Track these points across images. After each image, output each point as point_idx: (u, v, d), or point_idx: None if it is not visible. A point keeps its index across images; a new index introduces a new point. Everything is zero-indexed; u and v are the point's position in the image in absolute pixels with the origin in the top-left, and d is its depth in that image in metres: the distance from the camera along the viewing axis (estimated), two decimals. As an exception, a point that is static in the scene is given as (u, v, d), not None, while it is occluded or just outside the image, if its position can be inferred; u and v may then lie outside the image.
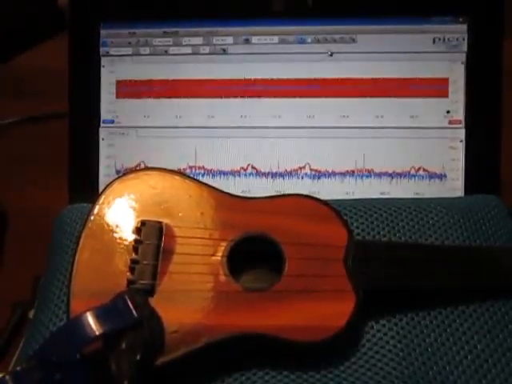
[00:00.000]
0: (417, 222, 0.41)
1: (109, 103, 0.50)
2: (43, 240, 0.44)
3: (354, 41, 0.48)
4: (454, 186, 0.47)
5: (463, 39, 0.47)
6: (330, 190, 0.47)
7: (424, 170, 0.47)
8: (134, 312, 0.32)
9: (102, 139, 0.50)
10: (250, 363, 0.34)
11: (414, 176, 0.47)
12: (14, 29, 0.74)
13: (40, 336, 0.37)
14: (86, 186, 0.49)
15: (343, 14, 0.47)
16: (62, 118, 0.51)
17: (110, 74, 0.50)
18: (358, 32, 0.47)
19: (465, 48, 0.47)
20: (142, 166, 0.49)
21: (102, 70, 0.50)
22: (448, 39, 0.47)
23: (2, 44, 0.71)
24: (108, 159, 0.50)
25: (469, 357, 0.35)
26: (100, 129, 0.50)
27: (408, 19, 0.47)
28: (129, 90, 0.50)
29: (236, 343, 0.34)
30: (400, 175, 0.47)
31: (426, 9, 0.47)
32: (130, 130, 0.50)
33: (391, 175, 0.47)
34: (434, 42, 0.47)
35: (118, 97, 0.50)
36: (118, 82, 0.50)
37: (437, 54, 0.47)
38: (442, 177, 0.47)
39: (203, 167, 0.48)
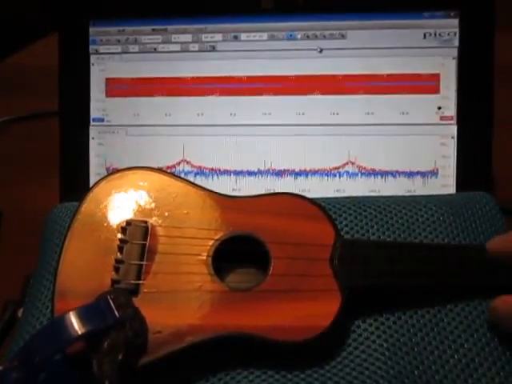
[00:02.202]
0: (406, 220, 0.41)
1: (98, 101, 0.49)
2: (36, 239, 0.44)
3: (343, 37, 0.47)
4: (446, 183, 0.47)
5: (455, 34, 0.46)
6: (319, 188, 0.47)
7: (415, 167, 0.47)
8: (116, 312, 0.32)
9: (92, 138, 0.50)
10: (235, 363, 0.34)
11: (404, 173, 0.47)
12: (11, 27, 0.74)
13: (27, 335, 0.37)
14: (76, 185, 0.49)
15: (332, 9, 0.47)
16: (53, 117, 0.51)
17: (99, 72, 0.50)
18: (347, 28, 0.47)
19: (456, 43, 0.47)
20: (132, 164, 0.49)
21: (92, 68, 0.49)
22: (439, 34, 0.47)
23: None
24: (98, 158, 0.50)
25: (456, 356, 0.34)
26: (90, 127, 0.50)
27: (398, 14, 0.47)
28: (118, 88, 0.49)
29: (221, 343, 0.34)
30: (391, 172, 0.47)
31: (416, 3, 0.47)
32: (119, 128, 0.49)
33: (382, 172, 0.47)
34: (424, 37, 0.47)
35: (107, 95, 0.49)
36: (108, 80, 0.49)
37: (428, 49, 0.47)
38: (433, 174, 0.47)
39: (192, 165, 0.48)
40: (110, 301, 0.32)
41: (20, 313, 0.43)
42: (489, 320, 0.35)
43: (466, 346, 0.35)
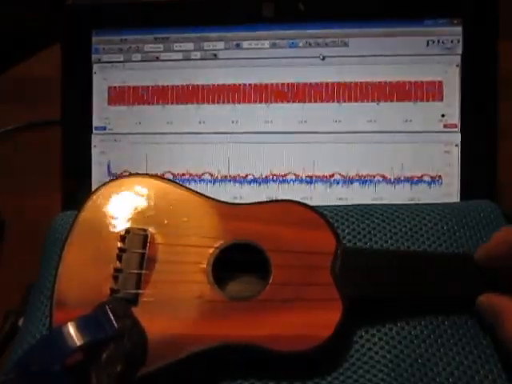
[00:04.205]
0: (409, 229, 0.40)
1: (101, 110, 0.50)
2: (38, 248, 0.44)
3: (345, 44, 0.47)
4: (450, 191, 0.46)
5: (458, 41, 0.46)
6: (322, 196, 0.47)
7: (419, 175, 0.46)
8: (115, 323, 0.31)
9: (94, 146, 0.49)
10: (235, 373, 0.34)
11: (408, 181, 0.46)
12: (14, 37, 0.74)
13: (27, 345, 0.36)
14: (79, 194, 0.49)
15: (334, 17, 0.47)
16: (56, 126, 0.51)
17: (101, 81, 0.50)
18: (349, 35, 0.47)
19: (459, 50, 0.46)
20: (134, 172, 0.49)
21: (94, 76, 0.50)
22: (442, 42, 0.46)
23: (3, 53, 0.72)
24: (100, 166, 0.49)
25: (460, 368, 0.34)
26: (92, 136, 0.50)
27: (401, 22, 0.46)
28: (120, 96, 0.49)
29: (221, 353, 0.33)
30: (394, 180, 0.47)
31: (419, 11, 0.46)
32: (121, 136, 0.49)
33: (385, 180, 0.47)
34: (427, 44, 0.46)
35: (109, 103, 0.49)
36: (110, 89, 0.49)
37: (431, 56, 0.46)
38: (437, 182, 0.46)
39: (194, 173, 0.48)
40: (109, 311, 0.32)
41: (21, 322, 0.43)
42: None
43: (470, 358, 0.34)
